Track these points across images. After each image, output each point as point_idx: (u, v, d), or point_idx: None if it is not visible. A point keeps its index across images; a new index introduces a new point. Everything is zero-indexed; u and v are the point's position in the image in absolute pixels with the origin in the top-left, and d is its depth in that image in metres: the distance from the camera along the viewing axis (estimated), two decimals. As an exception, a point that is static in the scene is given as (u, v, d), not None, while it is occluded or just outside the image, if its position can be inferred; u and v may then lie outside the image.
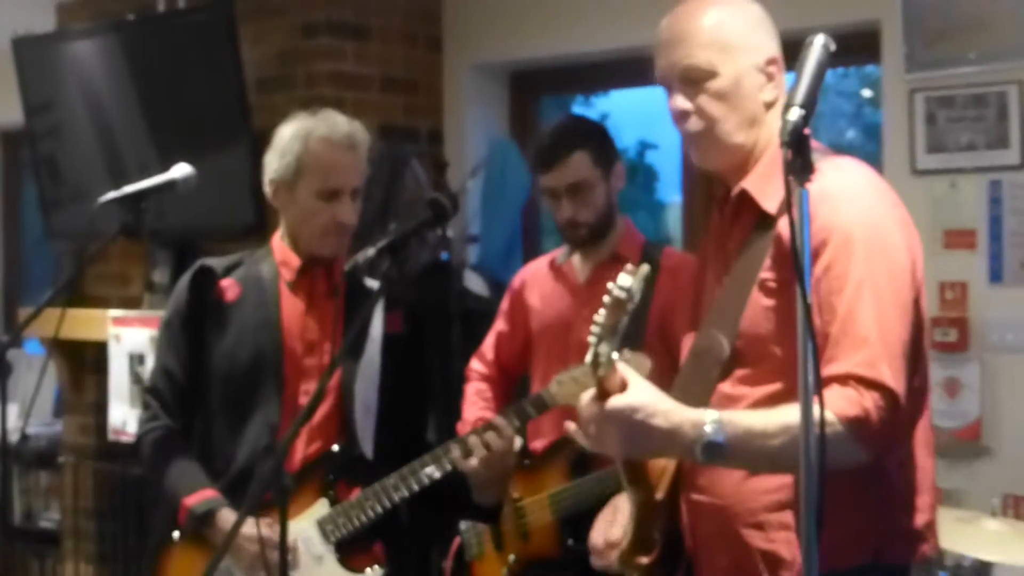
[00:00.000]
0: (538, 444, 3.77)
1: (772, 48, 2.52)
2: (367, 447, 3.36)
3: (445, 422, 4.56)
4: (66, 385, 6.33)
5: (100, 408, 6.07)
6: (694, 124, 2.49)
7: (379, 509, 3.22)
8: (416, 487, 3.22)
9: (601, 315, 2.16)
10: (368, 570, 3.27)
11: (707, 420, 2.25)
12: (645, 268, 2.21)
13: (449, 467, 3.22)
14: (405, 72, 5.58)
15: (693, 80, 2.47)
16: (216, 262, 3.47)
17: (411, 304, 3.57)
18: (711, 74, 2.45)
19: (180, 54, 5.37)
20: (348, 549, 3.27)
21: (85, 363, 6.21)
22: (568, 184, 3.63)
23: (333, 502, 3.27)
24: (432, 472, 3.22)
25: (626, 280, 2.17)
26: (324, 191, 3.28)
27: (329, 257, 3.37)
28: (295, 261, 3.38)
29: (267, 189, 3.38)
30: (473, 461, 3.22)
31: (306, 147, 3.29)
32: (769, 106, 2.50)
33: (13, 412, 6.71)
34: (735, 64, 2.46)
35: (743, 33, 2.48)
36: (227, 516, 3.20)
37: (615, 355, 2.18)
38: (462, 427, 3.84)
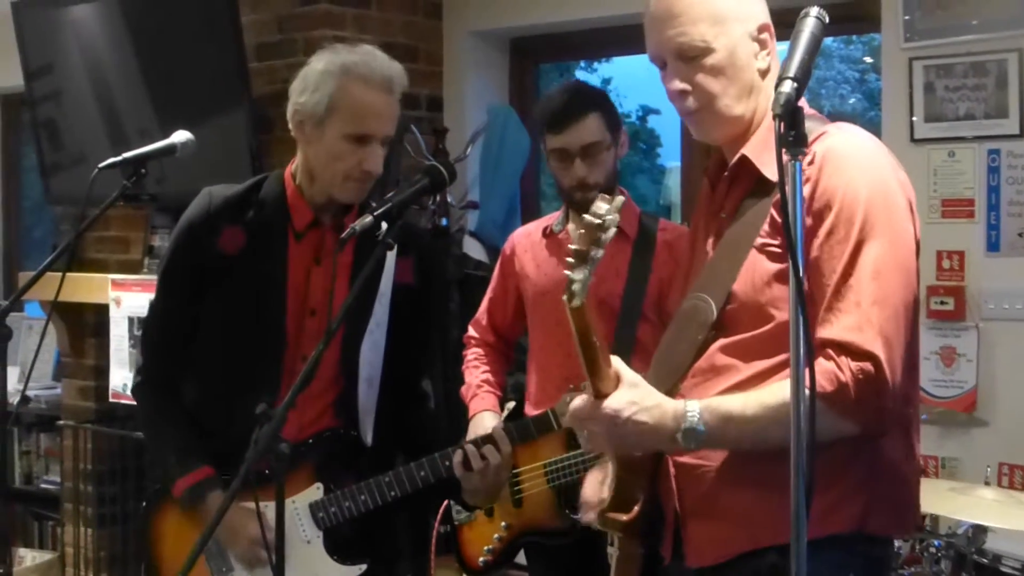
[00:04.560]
0: (537, 412, 3.78)
1: (763, 14, 2.50)
2: (367, 430, 3.26)
3: (443, 388, 4.58)
4: (66, 348, 6.34)
5: (100, 371, 6.09)
6: (693, 102, 2.48)
7: (371, 505, 3.15)
8: (410, 489, 3.16)
9: (575, 244, 2.15)
10: (353, 566, 3.20)
11: (688, 410, 2.29)
12: (620, 199, 2.19)
13: (444, 474, 3.16)
14: (405, 38, 5.56)
15: (689, 57, 2.45)
16: (221, 200, 3.23)
17: (422, 252, 3.35)
18: (707, 50, 2.43)
19: (180, 19, 5.35)
20: (336, 537, 3.19)
21: (85, 327, 6.22)
22: (582, 145, 3.64)
23: (328, 489, 3.18)
24: (427, 477, 3.17)
25: (601, 207, 2.15)
26: (355, 135, 3.05)
27: (346, 203, 3.16)
28: (306, 212, 3.17)
29: (290, 119, 3.14)
30: (468, 471, 3.16)
31: (341, 85, 3.04)
32: (764, 73, 2.49)
33: (13, 375, 6.75)
34: (729, 36, 2.44)
35: (734, 1, 2.46)
36: (218, 497, 3.11)
37: (578, 283, 2.15)
38: (465, 391, 3.88)
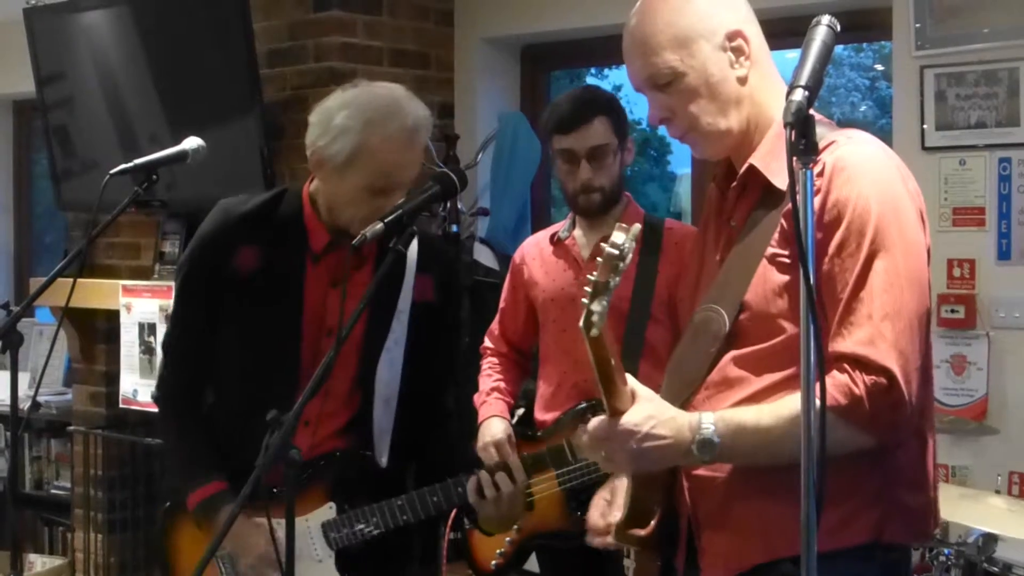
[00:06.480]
0: (548, 417, 3.79)
1: (731, 21, 2.46)
2: (382, 451, 3.23)
3: (455, 394, 4.58)
4: (77, 354, 6.35)
5: (110, 377, 6.10)
6: (676, 128, 2.49)
7: (383, 528, 3.15)
8: (423, 515, 3.16)
9: (593, 274, 2.15)
10: None
11: (702, 422, 2.28)
12: (637, 227, 2.17)
13: (458, 501, 3.16)
14: (416, 45, 5.57)
15: (661, 85, 2.45)
16: (237, 217, 3.19)
17: (443, 269, 3.32)
18: (676, 75, 2.42)
19: (191, 25, 5.37)
20: (348, 555, 3.17)
21: (96, 333, 6.23)
22: (589, 147, 3.65)
23: (340, 509, 3.16)
24: (440, 503, 3.17)
25: (619, 237, 2.14)
26: (376, 188, 3.00)
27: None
28: (324, 234, 3.13)
29: (308, 153, 3.07)
30: (481, 499, 3.16)
31: (364, 141, 2.98)
32: (744, 80, 2.46)
33: (24, 381, 6.78)
34: (696, 56, 2.42)
35: (695, 19, 2.43)
36: (229, 511, 3.01)
37: (597, 315, 2.14)
38: (477, 398, 3.90)
